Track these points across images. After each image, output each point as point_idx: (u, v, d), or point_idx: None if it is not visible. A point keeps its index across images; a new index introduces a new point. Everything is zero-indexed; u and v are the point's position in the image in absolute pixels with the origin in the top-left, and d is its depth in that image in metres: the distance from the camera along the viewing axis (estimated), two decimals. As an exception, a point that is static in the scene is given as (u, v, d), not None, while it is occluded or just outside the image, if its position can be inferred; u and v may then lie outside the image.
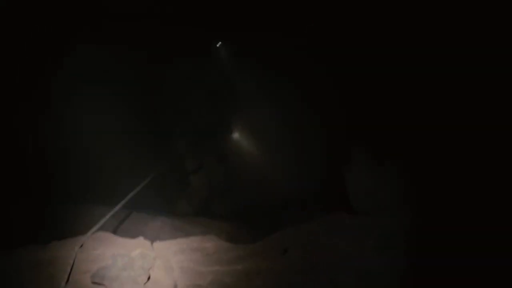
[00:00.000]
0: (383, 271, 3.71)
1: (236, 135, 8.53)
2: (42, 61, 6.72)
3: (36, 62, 6.61)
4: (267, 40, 7.49)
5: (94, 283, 3.61)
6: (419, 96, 5.61)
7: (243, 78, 8.03)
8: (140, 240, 4.34)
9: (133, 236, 4.57)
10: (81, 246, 4.13)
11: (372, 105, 6.56)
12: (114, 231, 5.19)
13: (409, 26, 5.82)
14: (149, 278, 3.73)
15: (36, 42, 6.51)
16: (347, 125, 6.93)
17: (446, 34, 5.35)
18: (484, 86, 4.62)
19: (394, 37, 6.05)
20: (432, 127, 4.94)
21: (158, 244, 4.39)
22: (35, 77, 6.69)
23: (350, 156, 5.40)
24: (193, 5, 7.26)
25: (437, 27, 5.48)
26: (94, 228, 4.47)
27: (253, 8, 7.31)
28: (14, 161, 6.50)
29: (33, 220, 5.49)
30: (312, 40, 7.21)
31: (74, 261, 3.85)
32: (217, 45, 7.90)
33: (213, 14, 7.38)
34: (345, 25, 6.83)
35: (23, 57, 6.47)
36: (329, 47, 7.02)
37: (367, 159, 5.34)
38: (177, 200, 7.58)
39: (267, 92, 7.96)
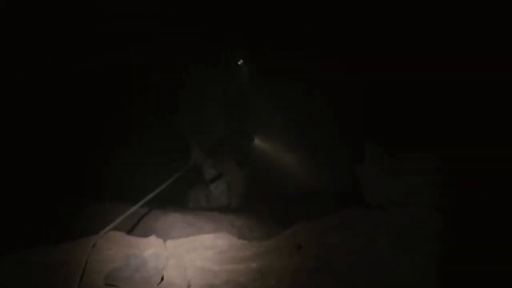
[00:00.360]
0: (399, 268, 3.67)
1: (255, 143, 8.63)
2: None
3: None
4: (277, 43, 7.52)
5: (107, 284, 3.60)
6: (434, 91, 5.56)
7: (257, 85, 8.09)
8: (153, 239, 4.32)
9: (146, 234, 4.56)
10: (94, 246, 4.12)
11: (385, 100, 6.54)
12: (128, 229, 5.19)
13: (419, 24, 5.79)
14: (162, 278, 3.72)
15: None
16: (360, 120, 6.93)
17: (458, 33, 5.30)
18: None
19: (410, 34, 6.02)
20: (448, 122, 4.88)
21: (170, 243, 4.37)
22: (38, 76, 6.72)
23: (363, 151, 5.35)
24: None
25: (447, 24, 5.44)
26: (108, 228, 4.46)
27: (254, 7, 7.28)
28: (41, 160, 6.58)
29: (59, 218, 5.51)
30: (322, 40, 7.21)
31: (86, 262, 3.85)
32: (239, 63, 7.97)
33: (219, 17, 7.36)
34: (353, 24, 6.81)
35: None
36: (344, 45, 7.02)
37: (380, 153, 5.28)
38: (193, 200, 7.67)
39: (282, 96, 8.02)
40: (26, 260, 3.94)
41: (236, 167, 7.66)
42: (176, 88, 7.81)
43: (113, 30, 6.93)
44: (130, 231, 5.03)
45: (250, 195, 7.60)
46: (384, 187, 4.91)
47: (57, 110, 7.03)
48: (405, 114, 6.38)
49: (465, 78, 5.16)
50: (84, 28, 6.81)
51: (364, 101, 7.20)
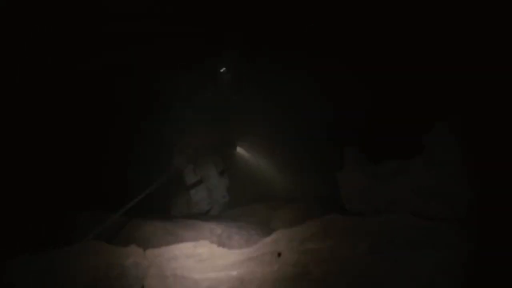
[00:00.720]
0: (378, 275, 3.69)
1: (239, 150, 8.66)
2: (43, 60, 6.70)
3: (38, 61, 6.61)
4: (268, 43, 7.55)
5: (87, 295, 3.59)
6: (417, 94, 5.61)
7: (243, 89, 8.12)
8: (133, 248, 4.30)
9: (126, 243, 4.54)
10: (74, 255, 4.10)
11: (365, 105, 6.59)
12: (108, 238, 5.16)
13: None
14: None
15: (35, 42, 6.49)
16: (344, 124, 6.98)
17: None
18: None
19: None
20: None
21: (151, 252, 4.36)
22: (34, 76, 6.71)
23: (343, 157, 5.39)
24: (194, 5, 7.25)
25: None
26: (88, 237, 4.44)
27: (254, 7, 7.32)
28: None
29: (46, 228, 5.47)
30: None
31: (66, 272, 3.82)
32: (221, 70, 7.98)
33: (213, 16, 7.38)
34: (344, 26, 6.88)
35: (24, 57, 6.45)
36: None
37: (361, 159, 5.33)
38: (174, 211, 7.65)
39: (266, 101, 8.04)
40: (7, 270, 3.90)
41: (216, 175, 7.66)
42: (159, 91, 7.77)
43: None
44: (110, 240, 5.00)
45: (231, 203, 7.60)
46: (365, 193, 4.95)
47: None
48: (386, 118, 6.45)
49: (455, 78, 5.21)
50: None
51: (348, 106, 7.26)
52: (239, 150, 8.88)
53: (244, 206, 7.23)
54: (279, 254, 4.17)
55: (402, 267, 3.69)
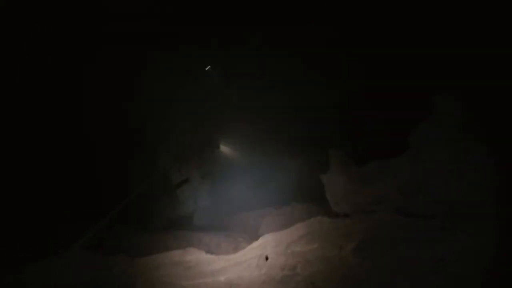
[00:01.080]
0: (363, 273, 3.71)
1: (222, 151, 8.64)
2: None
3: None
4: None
5: (74, 304, 3.58)
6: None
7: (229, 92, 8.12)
8: (121, 256, 4.30)
9: (115, 252, 4.53)
10: (65, 264, 4.08)
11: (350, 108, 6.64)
12: (96, 247, 5.15)
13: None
14: (131, 295, 3.70)
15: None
16: (331, 127, 7.02)
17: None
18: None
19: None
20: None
21: (138, 260, 4.35)
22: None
23: (329, 160, 5.41)
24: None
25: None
26: (75, 246, 4.42)
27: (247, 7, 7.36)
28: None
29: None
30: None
31: (57, 280, 3.81)
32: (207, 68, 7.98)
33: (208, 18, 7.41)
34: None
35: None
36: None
37: (346, 161, 5.35)
38: (160, 213, 7.59)
39: (252, 104, 8.04)
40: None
41: (199, 178, 7.65)
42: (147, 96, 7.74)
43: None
44: (98, 249, 4.99)
45: (218, 212, 7.57)
46: (351, 195, 4.96)
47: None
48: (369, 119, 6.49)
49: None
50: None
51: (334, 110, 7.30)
52: (224, 149, 8.82)
53: (231, 214, 7.20)
54: (267, 258, 4.19)
55: (387, 266, 3.72)
